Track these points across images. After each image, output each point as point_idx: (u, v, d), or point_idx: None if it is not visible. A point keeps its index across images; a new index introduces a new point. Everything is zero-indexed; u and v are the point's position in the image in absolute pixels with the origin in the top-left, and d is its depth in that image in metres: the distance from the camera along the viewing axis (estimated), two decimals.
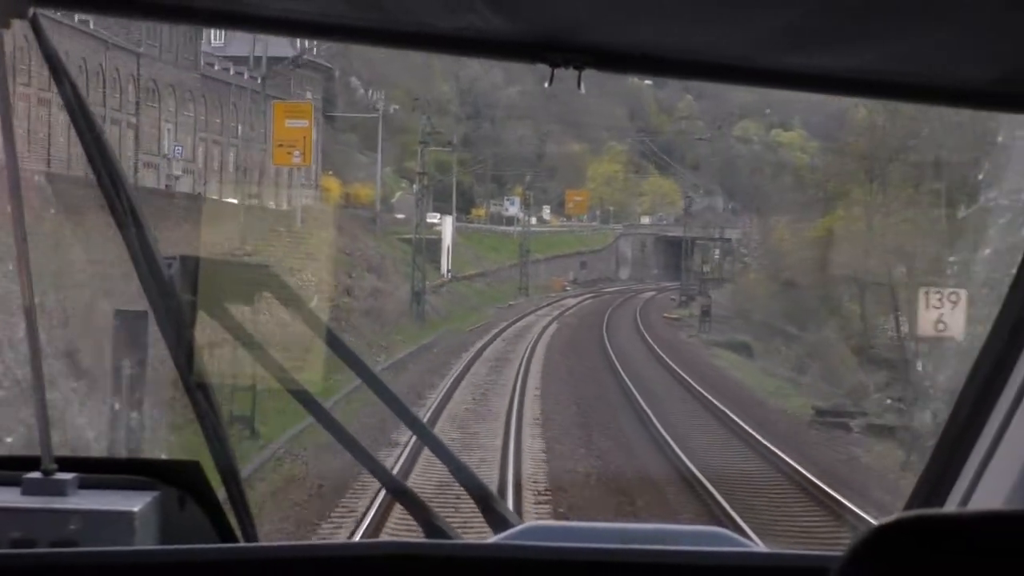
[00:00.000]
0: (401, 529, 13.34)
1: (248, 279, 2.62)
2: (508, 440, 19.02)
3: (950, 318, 16.63)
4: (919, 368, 21.61)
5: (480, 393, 24.58)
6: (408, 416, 2.76)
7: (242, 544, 2.37)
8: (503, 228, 76.00)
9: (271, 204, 47.81)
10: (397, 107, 75.35)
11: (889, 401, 23.43)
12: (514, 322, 40.85)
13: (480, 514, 2.42)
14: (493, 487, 15.11)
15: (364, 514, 14.74)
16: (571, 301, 55.05)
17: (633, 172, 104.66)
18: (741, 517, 13.93)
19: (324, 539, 12.83)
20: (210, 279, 2.43)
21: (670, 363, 29.42)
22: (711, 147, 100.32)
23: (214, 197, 46.22)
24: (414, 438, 15.43)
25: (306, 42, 58.39)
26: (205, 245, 30.34)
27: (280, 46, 56.19)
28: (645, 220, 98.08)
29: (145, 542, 2.23)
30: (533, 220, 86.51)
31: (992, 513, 1.35)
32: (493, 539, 2.25)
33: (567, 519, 13.43)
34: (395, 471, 14.59)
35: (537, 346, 32.71)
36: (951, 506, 2.31)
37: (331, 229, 37.42)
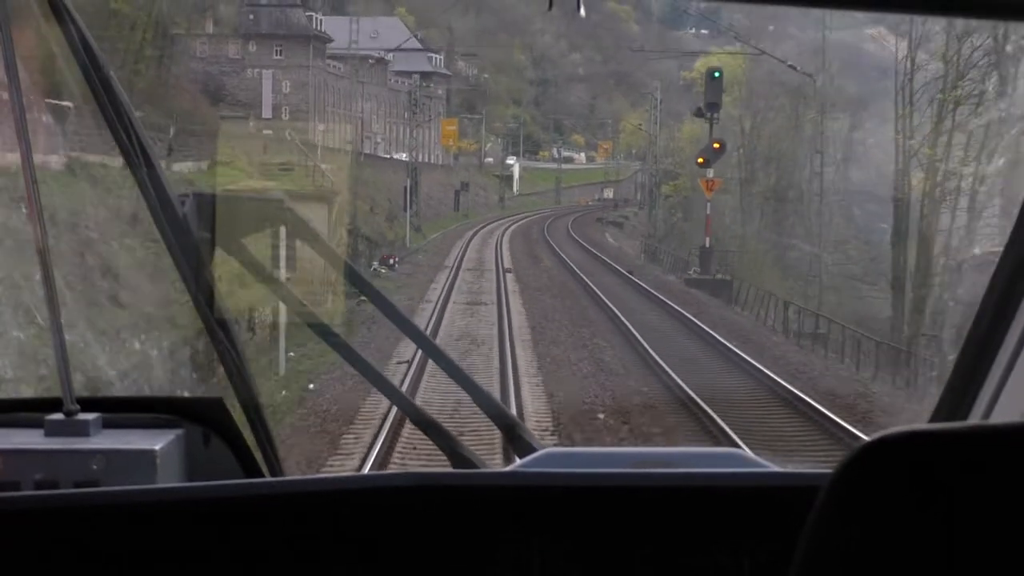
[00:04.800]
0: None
1: (263, 214, 2.76)
2: (507, 224, 74.38)
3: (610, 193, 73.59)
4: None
5: (511, 218, 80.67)
6: (428, 345, 3.06)
7: (268, 479, 2.48)
8: (556, 166, 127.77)
9: (426, 159, 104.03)
10: (487, 76, 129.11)
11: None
12: (542, 212, 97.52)
13: (496, 441, 4.98)
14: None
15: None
16: (580, 208, 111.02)
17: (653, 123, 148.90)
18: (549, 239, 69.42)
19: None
20: (226, 215, 2.55)
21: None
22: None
23: (394, 156, 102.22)
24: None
25: (438, 60, 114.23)
26: (390, 183, 59.18)
27: (422, 63, 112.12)
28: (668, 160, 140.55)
29: (168, 480, 2.35)
30: (583, 158, 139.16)
31: (981, 426, 1.39)
32: (513, 467, 2.41)
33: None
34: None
35: (545, 215, 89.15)
36: (974, 419, 2.38)
37: (462, 171, 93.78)
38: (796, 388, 19.76)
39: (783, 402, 19.38)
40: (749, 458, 2.39)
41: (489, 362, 22.29)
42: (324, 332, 2.62)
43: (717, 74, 42.46)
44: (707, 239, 41.98)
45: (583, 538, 2.15)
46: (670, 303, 32.53)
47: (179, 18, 57.74)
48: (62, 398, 2.41)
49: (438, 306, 30.37)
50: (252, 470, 2.49)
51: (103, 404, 2.48)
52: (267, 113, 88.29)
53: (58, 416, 2.40)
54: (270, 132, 76.01)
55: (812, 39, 49.67)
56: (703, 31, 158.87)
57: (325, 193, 30.24)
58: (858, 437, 16.02)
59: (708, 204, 42.20)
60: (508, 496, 2.20)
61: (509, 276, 39.07)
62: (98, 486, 2.27)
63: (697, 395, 18.59)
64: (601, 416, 17.49)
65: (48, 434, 2.39)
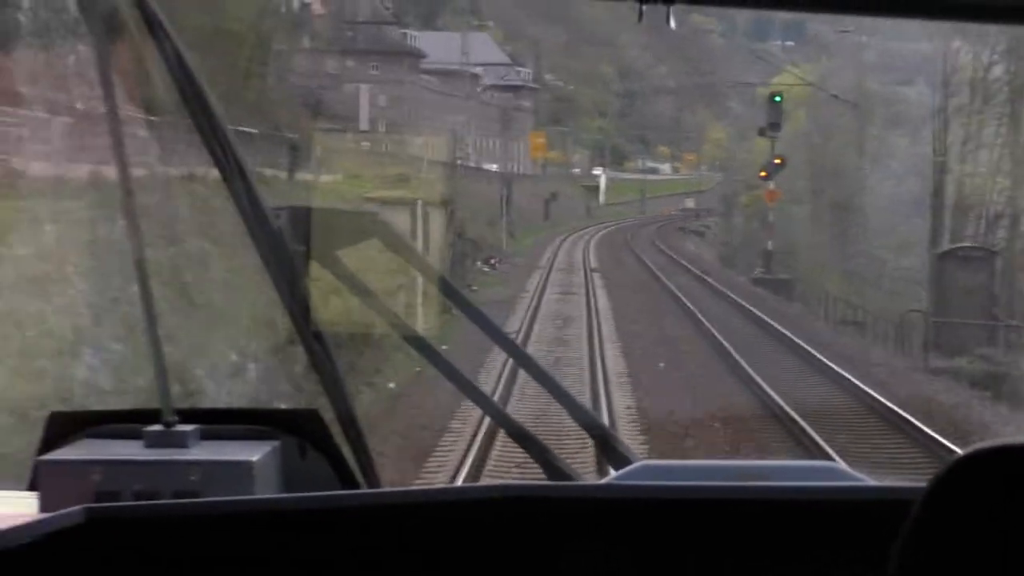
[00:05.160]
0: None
1: (358, 228, 2.84)
2: (594, 231, 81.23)
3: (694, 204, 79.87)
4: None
5: (597, 226, 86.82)
6: (520, 355, 3.17)
7: (366, 491, 2.52)
8: (641, 177, 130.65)
9: (515, 169, 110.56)
10: (572, 88, 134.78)
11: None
12: (627, 221, 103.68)
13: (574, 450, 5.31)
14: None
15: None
16: (663, 218, 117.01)
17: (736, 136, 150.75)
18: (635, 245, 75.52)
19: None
20: (321, 229, 2.60)
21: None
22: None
23: (483, 167, 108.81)
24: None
25: (526, 74, 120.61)
26: (483, 192, 62.55)
27: (511, 77, 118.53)
28: (747, 171, 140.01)
29: (266, 491, 2.40)
30: (668, 169, 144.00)
31: None
32: (610, 479, 2.41)
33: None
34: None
35: (629, 224, 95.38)
36: None
37: (550, 181, 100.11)
38: (817, 351, 26.24)
39: (799, 356, 26.24)
40: (844, 471, 2.44)
41: (579, 332, 28.79)
42: (418, 344, 2.70)
43: (777, 99, 48.43)
44: (769, 242, 48.04)
45: (678, 551, 2.20)
46: (733, 296, 38.82)
47: (280, 35, 59.18)
48: (160, 409, 2.45)
49: (535, 296, 36.79)
50: (349, 481, 2.52)
51: (200, 415, 2.52)
52: (364, 126, 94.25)
53: (157, 428, 2.45)
54: (368, 144, 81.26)
55: (897, 49, 54.81)
56: (788, 42, 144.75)
57: (443, 201, 36.12)
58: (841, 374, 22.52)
59: (771, 212, 48.28)
60: (605, 508, 2.22)
61: (595, 274, 45.52)
62: (198, 497, 2.32)
63: (736, 352, 25.37)
64: (662, 366, 23.94)
65: (147, 445, 2.43)
